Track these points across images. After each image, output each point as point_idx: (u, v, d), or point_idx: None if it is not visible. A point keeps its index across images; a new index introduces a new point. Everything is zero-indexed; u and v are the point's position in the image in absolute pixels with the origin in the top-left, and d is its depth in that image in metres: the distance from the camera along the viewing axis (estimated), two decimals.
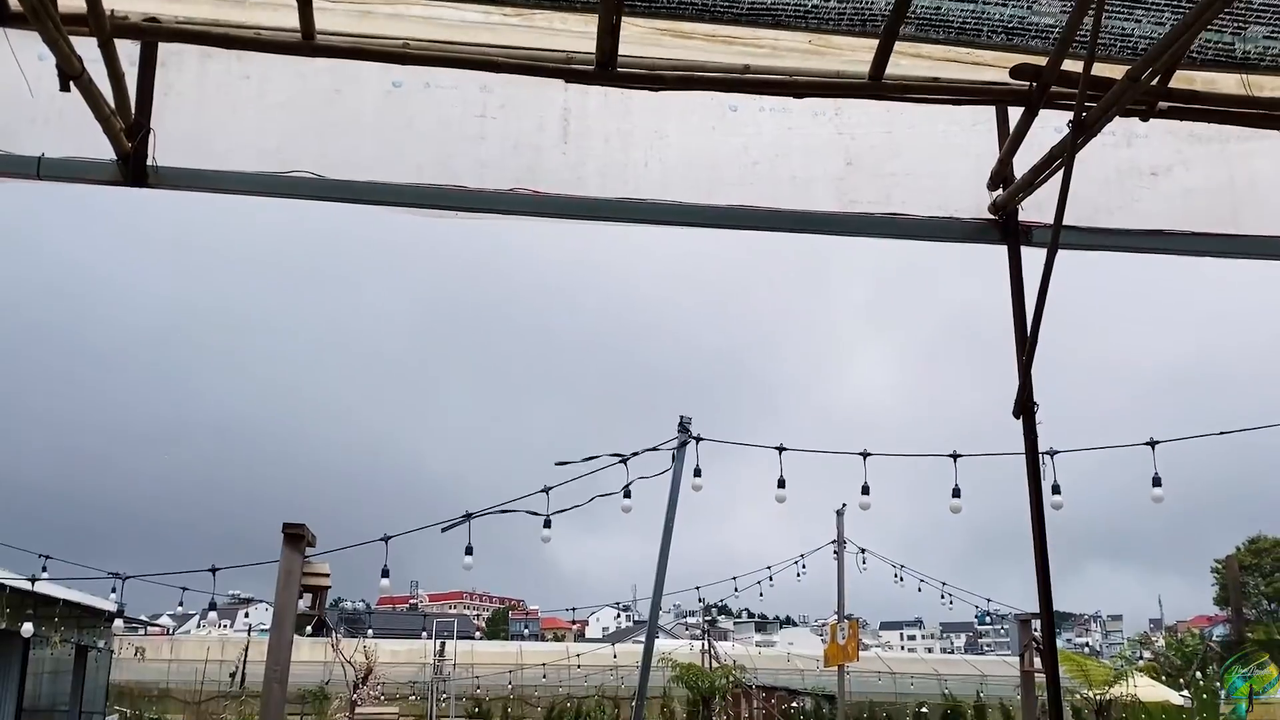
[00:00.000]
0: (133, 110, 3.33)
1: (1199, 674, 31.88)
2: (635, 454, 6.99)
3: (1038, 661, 9.09)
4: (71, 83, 3.03)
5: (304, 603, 6.03)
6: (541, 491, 7.23)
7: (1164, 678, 30.48)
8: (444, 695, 30.81)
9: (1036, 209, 3.64)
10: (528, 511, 7.18)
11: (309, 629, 48.37)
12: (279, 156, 3.37)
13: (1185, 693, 29.02)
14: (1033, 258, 3.59)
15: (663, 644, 37.61)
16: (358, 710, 17.64)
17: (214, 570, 7.20)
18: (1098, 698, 21.92)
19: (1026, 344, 3.45)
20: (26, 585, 13.97)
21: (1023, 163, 3.46)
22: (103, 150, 3.30)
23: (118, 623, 10.82)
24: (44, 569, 11.26)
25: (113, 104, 3.23)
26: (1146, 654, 36.61)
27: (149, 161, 3.36)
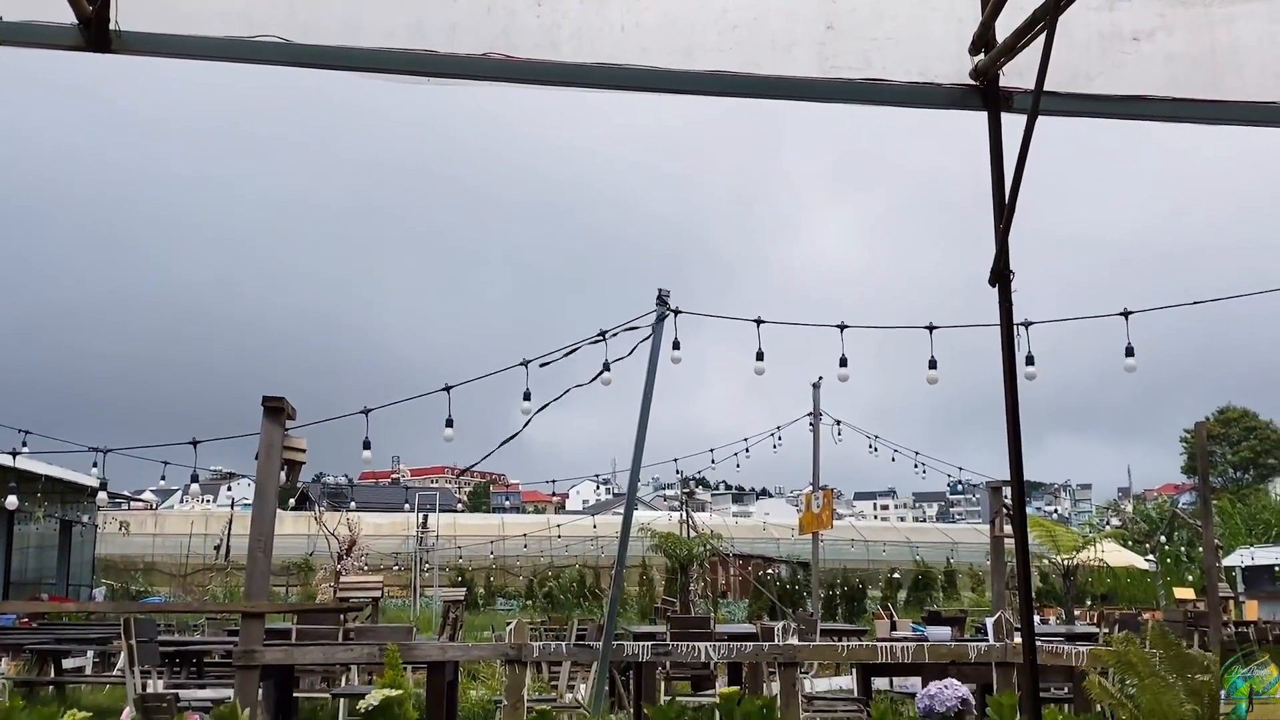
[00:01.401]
0: None
1: (1164, 539, 32.81)
2: (615, 333, 6.99)
3: (1008, 527, 9.31)
4: None
5: (280, 476, 6.08)
6: (520, 365, 7.25)
7: (1130, 543, 31.31)
8: (427, 566, 31.37)
9: (1018, 75, 3.58)
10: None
11: (292, 502, 48.94)
12: (246, 20, 3.26)
13: (1150, 557, 29.87)
14: (1009, 125, 3.56)
15: (641, 515, 38.27)
16: (342, 580, 17.95)
17: (195, 443, 7.24)
18: (1065, 562, 22.52)
19: (1005, 212, 3.43)
20: (8, 460, 14.04)
21: (1005, 26, 3.40)
22: (61, 14, 3.18)
23: (101, 495, 10.89)
24: (24, 444, 11.27)
25: None
26: (1115, 521, 37.52)
27: (111, 26, 3.25)
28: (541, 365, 7.18)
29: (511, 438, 7.05)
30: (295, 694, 9.22)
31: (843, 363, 7.81)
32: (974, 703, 4.08)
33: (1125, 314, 7.25)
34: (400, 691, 3.88)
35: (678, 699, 8.76)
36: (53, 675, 12.15)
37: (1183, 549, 36.41)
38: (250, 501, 6.83)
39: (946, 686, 3.96)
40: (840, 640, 10.00)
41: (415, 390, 7.29)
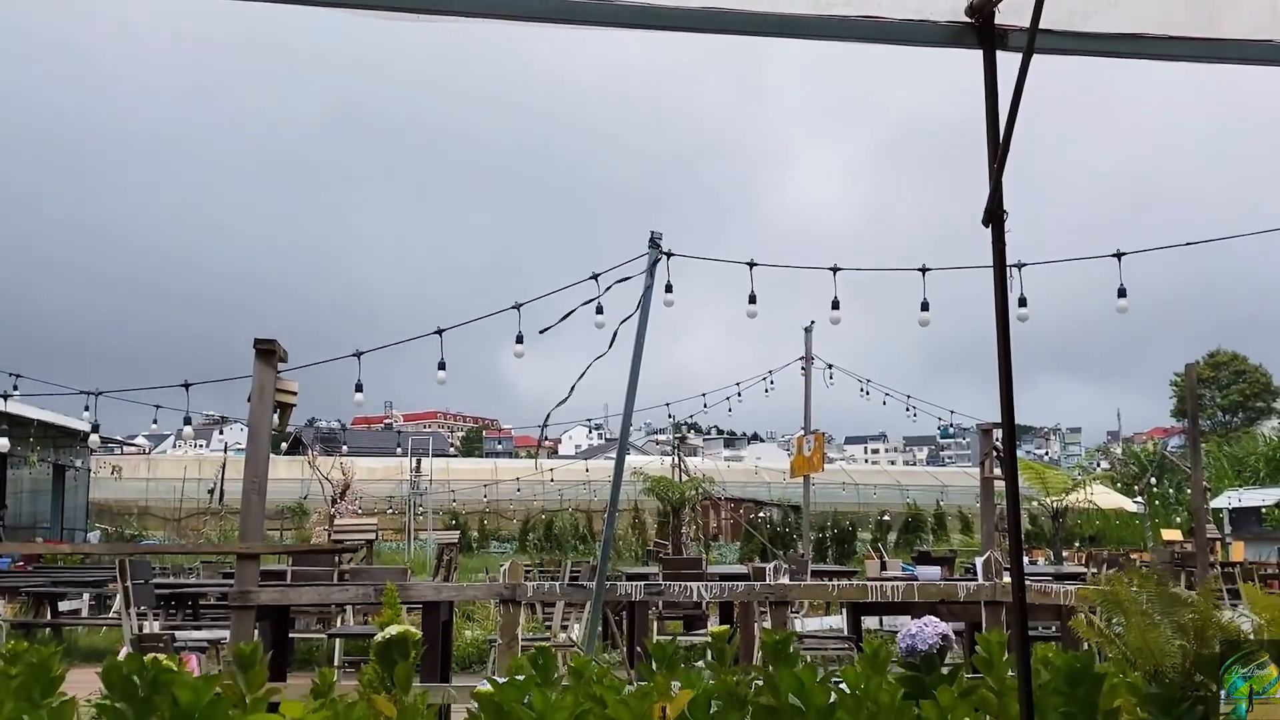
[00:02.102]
0: None
1: (1152, 481, 33.08)
2: (610, 286, 6.97)
3: (998, 469, 9.38)
4: None
5: (272, 419, 6.08)
6: (512, 308, 7.24)
7: (1119, 485, 31.57)
8: (421, 509, 31.57)
9: (1014, 13, 3.55)
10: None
11: (285, 446, 49.05)
12: None
13: (1139, 500, 30.14)
14: (1004, 63, 3.53)
15: (634, 459, 38.44)
16: (336, 523, 18.06)
17: (186, 386, 7.22)
18: (1054, 504, 22.72)
19: (999, 151, 3.41)
20: None
21: None
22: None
23: (94, 438, 10.91)
24: (15, 387, 11.25)
25: None
26: (1104, 464, 37.82)
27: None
28: (541, 331, 7.17)
29: (564, 401, 7.00)
30: (291, 634, 9.31)
31: (835, 305, 7.80)
32: (954, 639, 4.12)
33: (1118, 255, 7.24)
34: (413, 628, 3.92)
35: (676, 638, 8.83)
36: (49, 618, 12.25)
37: (1170, 491, 36.74)
38: (243, 447, 6.84)
39: (927, 624, 3.98)
40: (830, 580, 10.09)
41: (401, 335, 7.28)
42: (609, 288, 6.78)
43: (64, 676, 3.48)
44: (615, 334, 6.93)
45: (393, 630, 3.84)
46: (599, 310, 7.19)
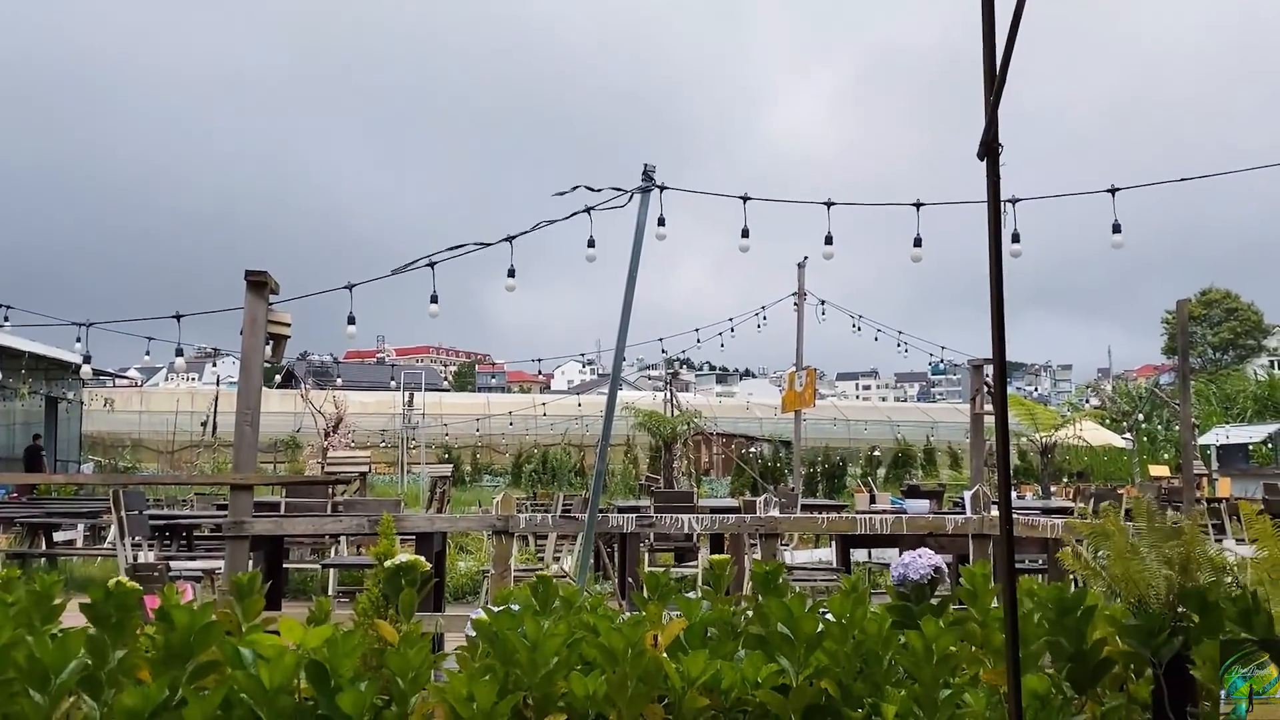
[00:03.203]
0: None
1: (1141, 418, 33.29)
2: (581, 203, 6.93)
3: (988, 405, 9.42)
4: None
5: (265, 351, 6.08)
6: (505, 240, 7.21)
7: (1109, 422, 31.77)
8: (414, 443, 31.65)
9: None
10: (477, 244, 7.17)
11: (277, 379, 49.09)
12: None
13: (1128, 436, 30.36)
14: None
15: (626, 395, 38.50)
16: (329, 456, 18.13)
17: (178, 317, 7.20)
18: (1043, 440, 22.88)
19: (995, 84, 3.38)
20: None
21: None
22: None
23: (86, 369, 10.87)
24: (5, 319, 11.20)
25: None
26: (1094, 400, 38.01)
27: None
28: (520, 234, 7.15)
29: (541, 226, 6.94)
30: (285, 565, 9.39)
31: (828, 240, 7.77)
32: (947, 572, 4.17)
33: (1112, 190, 7.20)
34: (422, 558, 3.96)
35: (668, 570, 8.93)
36: (44, 548, 12.33)
37: (1159, 428, 37.00)
38: (236, 380, 6.84)
39: (920, 555, 4.03)
40: (820, 514, 10.18)
41: (389, 267, 7.23)
42: (589, 209, 6.74)
43: (64, 606, 3.52)
44: (590, 242, 6.92)
45: (403, 558, 3.89)
46: (590, 244, 7.17)
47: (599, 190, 6.58)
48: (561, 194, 6.68)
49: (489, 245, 6.87)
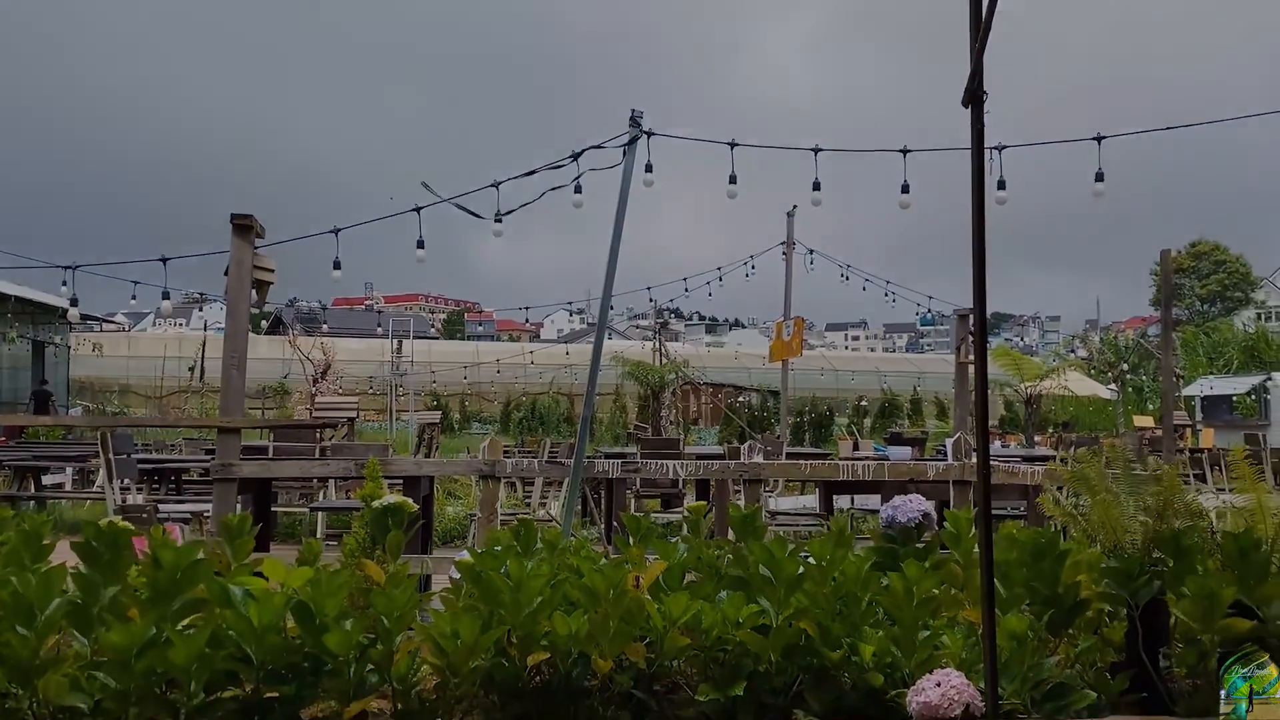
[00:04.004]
0: None
1: (1125, 367, 33.46)
2: (585, 153, 6.91)
3: (972, 355, 9.46)
4: None
5: (250, 296, 6.07)
6: (491, 186, 7.18)
7: (1094, 373, 31.92)
8: (402, 390, 31.66)
9: None
10: (470, 212, 7.16)
11: (265, 325, 48.96)
12: None
13: (1113, 387, 30.52)
14: None
15: (615, 344, 38.49)
16: (318, 401, 18.15)
17: (164, 260, 7.17)
18: (1028, 390, 23.00)
19: (980, 29, 3.37)
20: None
21: None
22: None
23: (73, 312, 10.82)
24: None
25: None
26: (1081, 351, 38.15)
27: None
28: (507, 179, 7.12)
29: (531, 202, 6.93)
30: (273, 508, 9.44)
31: (816, 186, 7.75)
32: (935, 517, 4.24)
33: (1098, 138, 7.19)
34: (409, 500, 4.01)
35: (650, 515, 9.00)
36: (33, 491, 12.36)
37: (1145, 379, 37.20)
38: (223, 326, 6.83)
39: (910, 500, 4.09)
40: (804, 460, 10.26)
41: (374, 214, 7.21)
42: (576, 155, 6.72)
43: (53, 546, 3.55)
44: (578, 188, 6.90)
45: (390, 499, 3.93)
46: (578, 190, 7.14)
47: (601, 146, 6.55)
48: (558, 166, 6.66)
49: (501, 184, 6.84)
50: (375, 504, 3.84)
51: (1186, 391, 29.85)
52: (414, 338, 35.84)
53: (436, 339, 67.54)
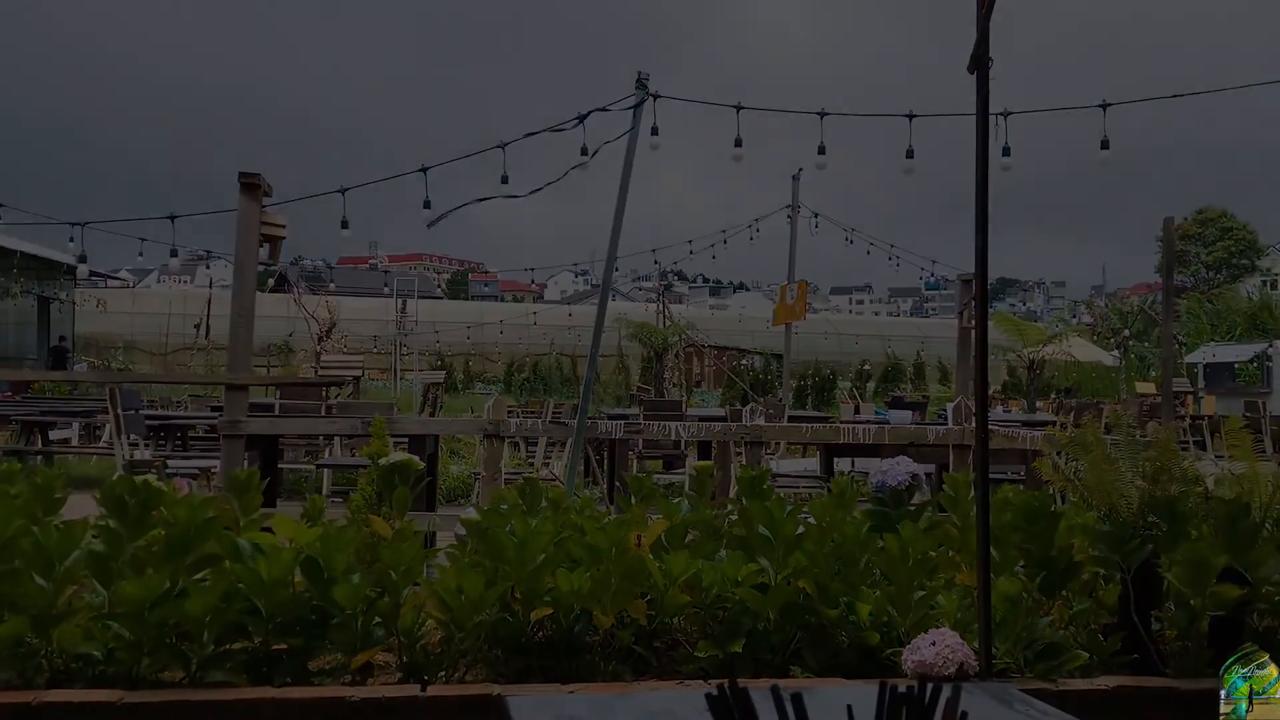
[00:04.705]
0: None
1: (1127, 334, 33.44)
2: (585, 120, 6.91)
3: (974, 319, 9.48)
4: None
5: (262, 253, 6.10)
6: (497, 146, 7.19)
7: (1097, 338, 31.91)
8: (407, 350, 31.75)
9: None
10: (490, 202, 7.18)
11: (270, 283, 49.00)
12: None
13: (1116, 353, 30.52)
14: None
15: (619, 306, 38.50)
16: (323, 360, 18.22)
17: (173, 218, 7.20)
18: (1031, 356, 23.03)
19: None
20: None
21: None
22: None
23: (82, 268, 10.86)
24: None
25: None
26: (1085, 317, 38.09)
27: None
28: (513, 140, 7.14)
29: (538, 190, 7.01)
30: (280, 465, 9.51)
31: (821, 150, 7.75)
32: (924, 479, 4.29)
33: (1103, 105, 7.18)
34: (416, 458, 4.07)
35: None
36: (40, 446, 12.45)
37: (1148, 346, 37.20)
38: (229, 284, 6.87)
39: (899, 463, 4.15)
40: (805, 423, 10.32)
41: (386, 177, 7.23)
42: (583, 117, 6.73)
43: (65, 499, 3.61)
44: (584, 150, 6.92)
45: (397, 456, 3.99)
46: (584, 152, 7.15)
47: (606, 109, 6.55)
48: (560, 129, 6.66)
49: (506, 145, 6.85)
50: (383, 461, 3.90)
51: (1189, 359, 29.87)
52: (419, 297, 35.87)
53: (441, 299, 67.56)
